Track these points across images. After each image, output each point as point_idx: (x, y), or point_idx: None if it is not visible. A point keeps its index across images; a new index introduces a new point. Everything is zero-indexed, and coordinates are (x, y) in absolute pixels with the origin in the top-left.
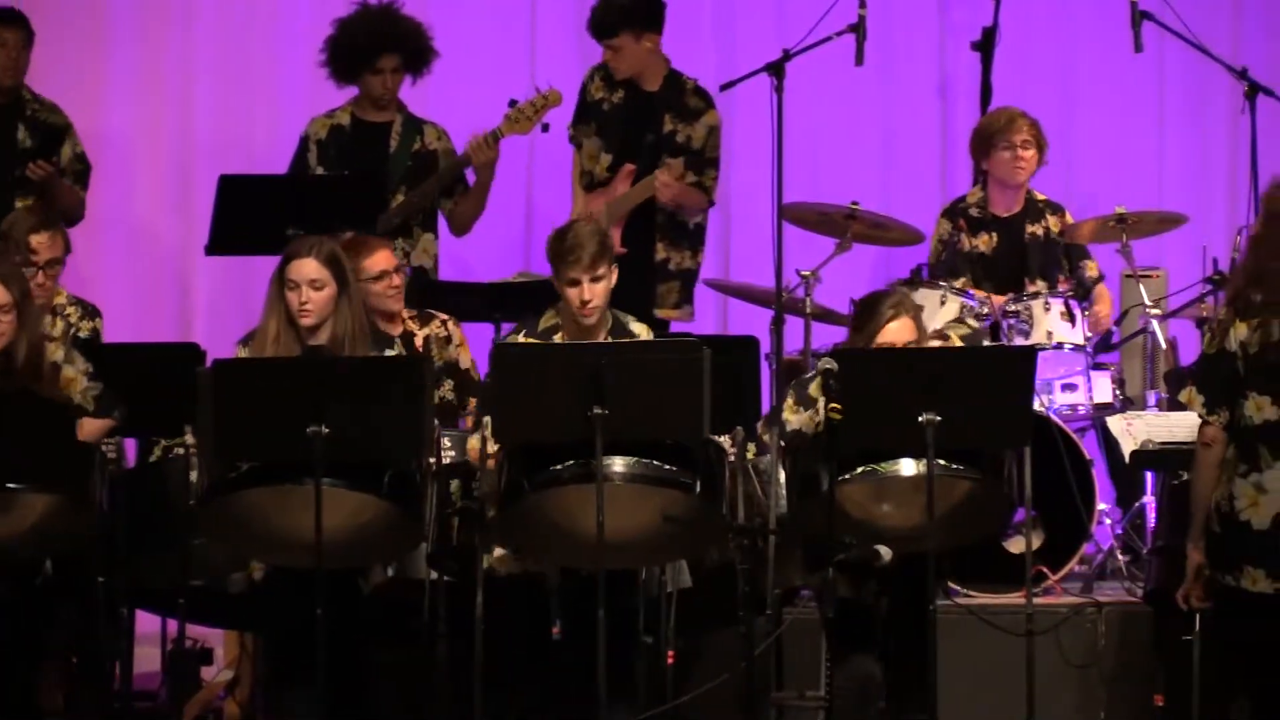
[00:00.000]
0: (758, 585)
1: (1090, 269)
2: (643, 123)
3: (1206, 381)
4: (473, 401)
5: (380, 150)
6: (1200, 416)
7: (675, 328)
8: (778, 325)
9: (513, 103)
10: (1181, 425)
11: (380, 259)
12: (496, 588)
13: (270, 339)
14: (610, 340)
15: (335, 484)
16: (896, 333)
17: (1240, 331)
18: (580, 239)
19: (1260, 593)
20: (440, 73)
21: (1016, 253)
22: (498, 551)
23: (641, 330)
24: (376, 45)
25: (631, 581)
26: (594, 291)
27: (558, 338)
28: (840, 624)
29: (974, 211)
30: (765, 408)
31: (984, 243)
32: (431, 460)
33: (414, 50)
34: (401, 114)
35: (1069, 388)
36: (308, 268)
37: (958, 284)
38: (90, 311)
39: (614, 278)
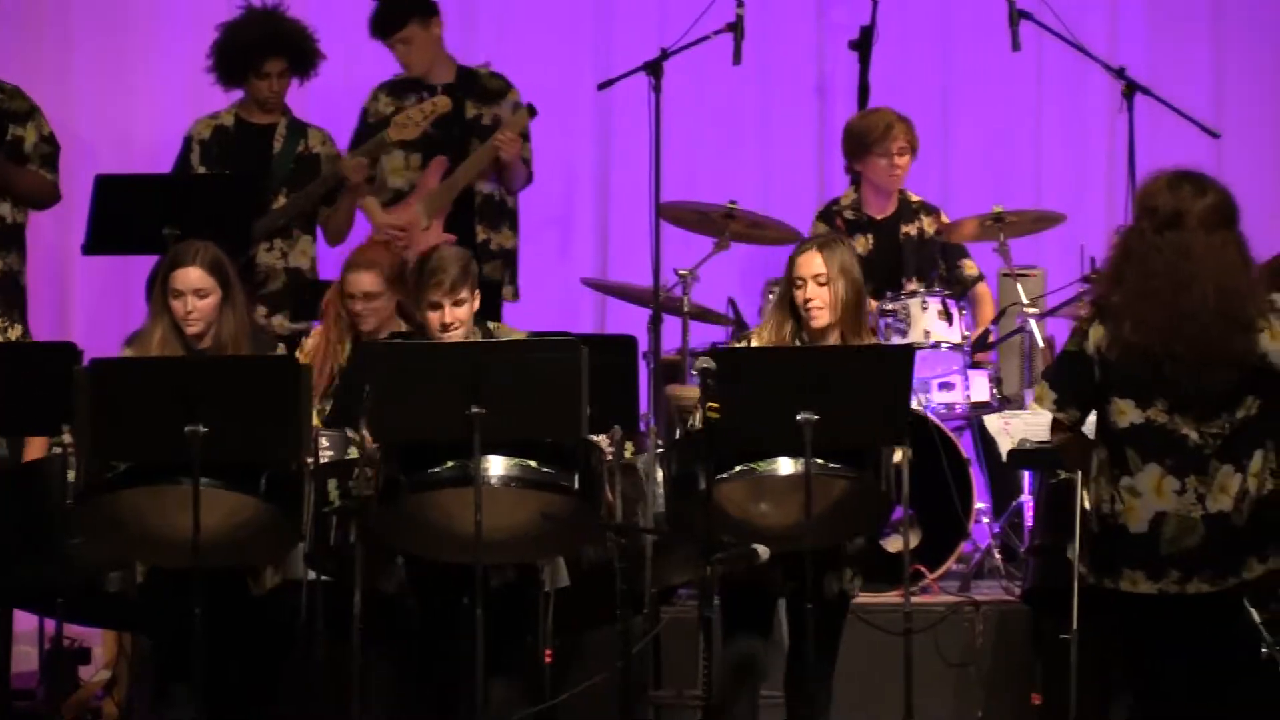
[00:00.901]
0: (635, 584)
1: (969, 268)
2: (443, 117)
3: (1058, 378)
4: None
5: (263, 152)
6: (1051, 413)
7: (504, 307)
8: (655, 324)
9: (399, 109)
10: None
11: (363, 280)
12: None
13: (155, 343)
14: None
15: (212, 484)
16: (803, 266)
17: (1098, 334)
18: (443, 263)
19: (1142, 594)
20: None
21: (892, 253)
22: None
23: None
24: (262, 48)
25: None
26: (455, 315)
27: None
28: (733, 604)
29: (849, 213)
30: (644, 407)
31: (860, 245)
32: (309, 460)
33: (299, 53)
34: (286, 117)
35: (946, 386)
36: (192, 276)
37: None
38: None
39: (476, 303)
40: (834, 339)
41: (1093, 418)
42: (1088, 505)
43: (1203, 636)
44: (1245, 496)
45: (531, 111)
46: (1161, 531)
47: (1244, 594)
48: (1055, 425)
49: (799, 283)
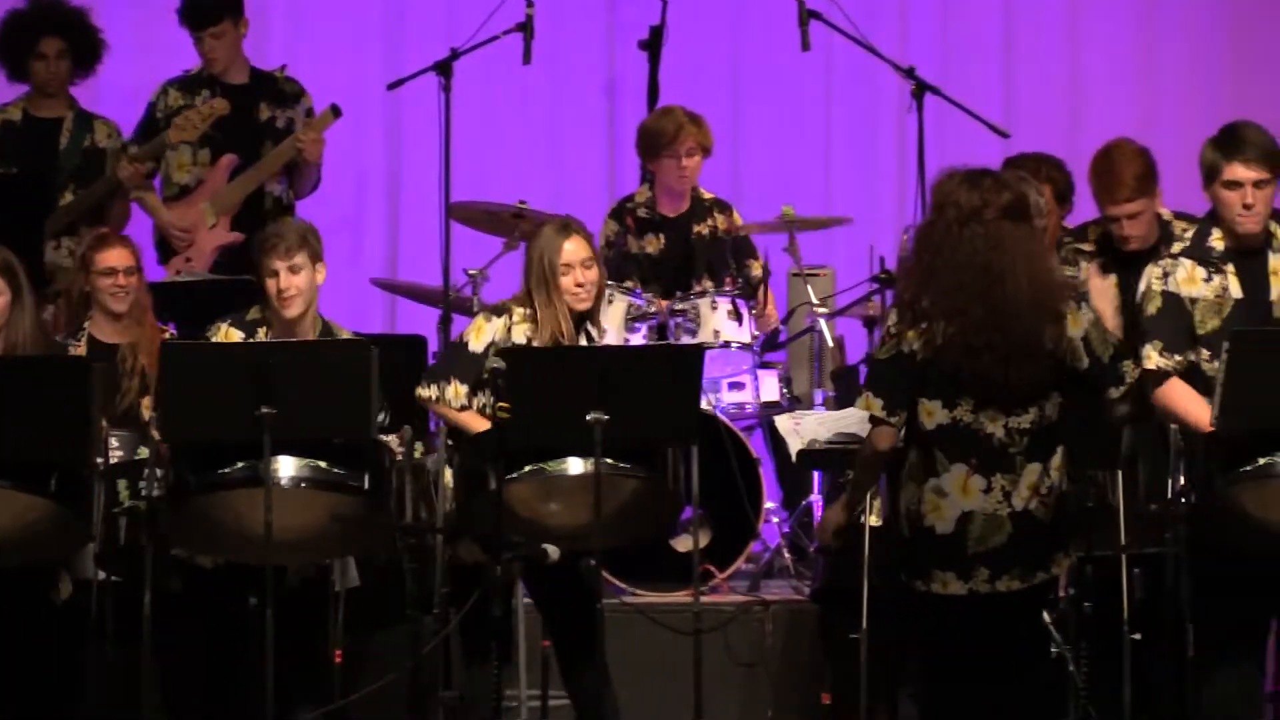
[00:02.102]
0: (425, 584)
1: (755, 268)
2: (238, 114)
3: (880, 385)
4: None
5: (50, 147)
6: (880, 420)
7: None
8: (445, 325)
9: (180, 109)
10: (848, 424)
11: (111, 255)
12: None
13: None
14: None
15: (1, 484)
16: (573, 252)
17: (911, 338)
18: (281, 229)
19: (952, 595)
20: None
21: (684, 253)
22: None
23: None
24: (37, 28)
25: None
26: (292, 282)
27: (262, 332)
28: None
29: (641, 211)
30: None
31: (652, 244)
32: (99, 460)
33: (77, 36)
34: (73, 110)
35: (736, 386)
36: None
37: (626, 285)
38: None
39: (320, 275)
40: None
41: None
42: (874, 520)
43: (1009, 632)
44: (1050, 492)
45: (336, 112)
46: (969, 531)
47: (1050, 589)
48: (881, 436)
49: (566, 269)
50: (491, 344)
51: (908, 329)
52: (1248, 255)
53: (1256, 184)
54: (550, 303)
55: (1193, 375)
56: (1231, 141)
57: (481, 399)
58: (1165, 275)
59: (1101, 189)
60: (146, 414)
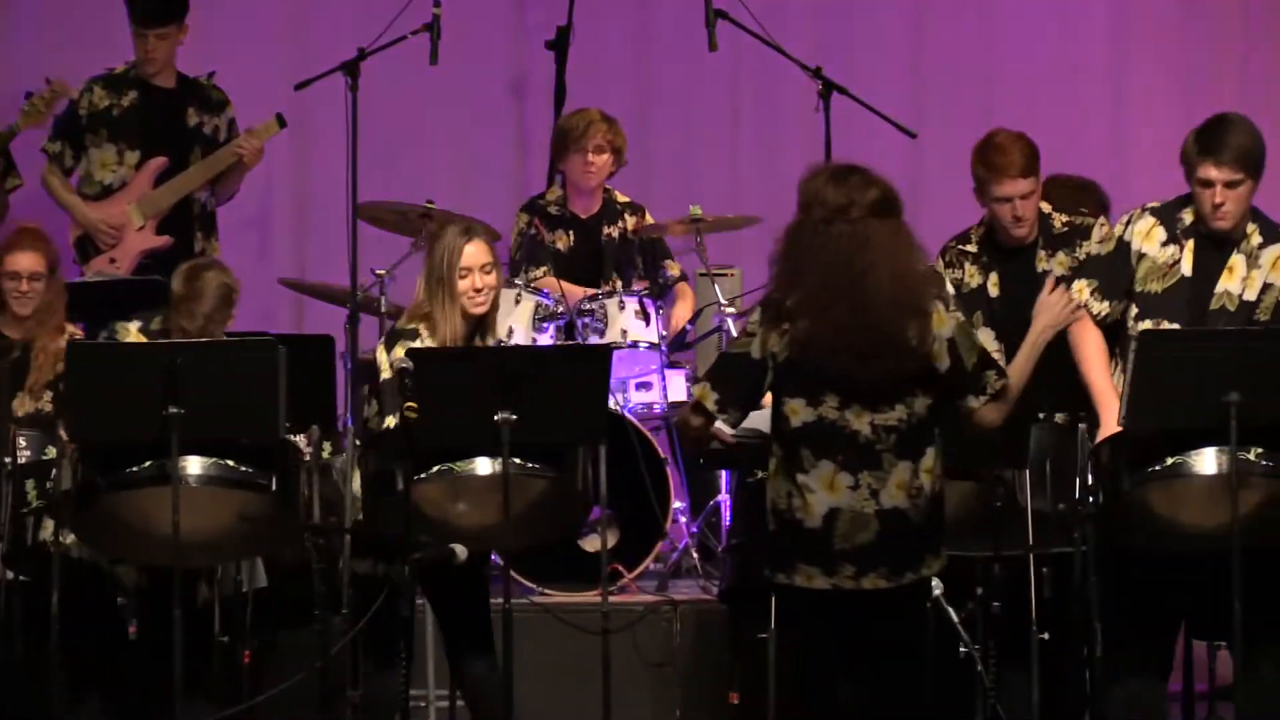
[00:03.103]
0: (333, 584)
1: (672, 268)
2: (167, 118)
3: (721, 379)
4: None
5: None
6: (707, 412)
7: None
8: (353, 324)
9: (28, 95)
10: (756, 423)
11: (19, 259)
12: (73, 583)
13: None
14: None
15: None
16: (474, 256)
17: (771, 340)
18: (206, 288)
19: (817, 589)
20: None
21: (593, 253)
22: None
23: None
24: None
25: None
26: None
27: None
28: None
29: (553, 210)
30: (340, 407)
31: (561, 242)
32: (7, 460)
33: None
34: None
35: (644, 386)
36: None
37: (538, 273)
38: None
39: (228, 323)
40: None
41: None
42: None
43: (877, 632)
44: (921, 493)
45: (282, 123)
46: (835, 527)
47: (923, 590)
48: (698, 409)
49: (465, 273)
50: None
51: (770, 330)
52: (1211, 241)
53: (1228, 184)
54: (444, 305)
55: (1117, 327)
56: (1208, 139)
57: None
58: (1128, 223)
59: (992, 171)
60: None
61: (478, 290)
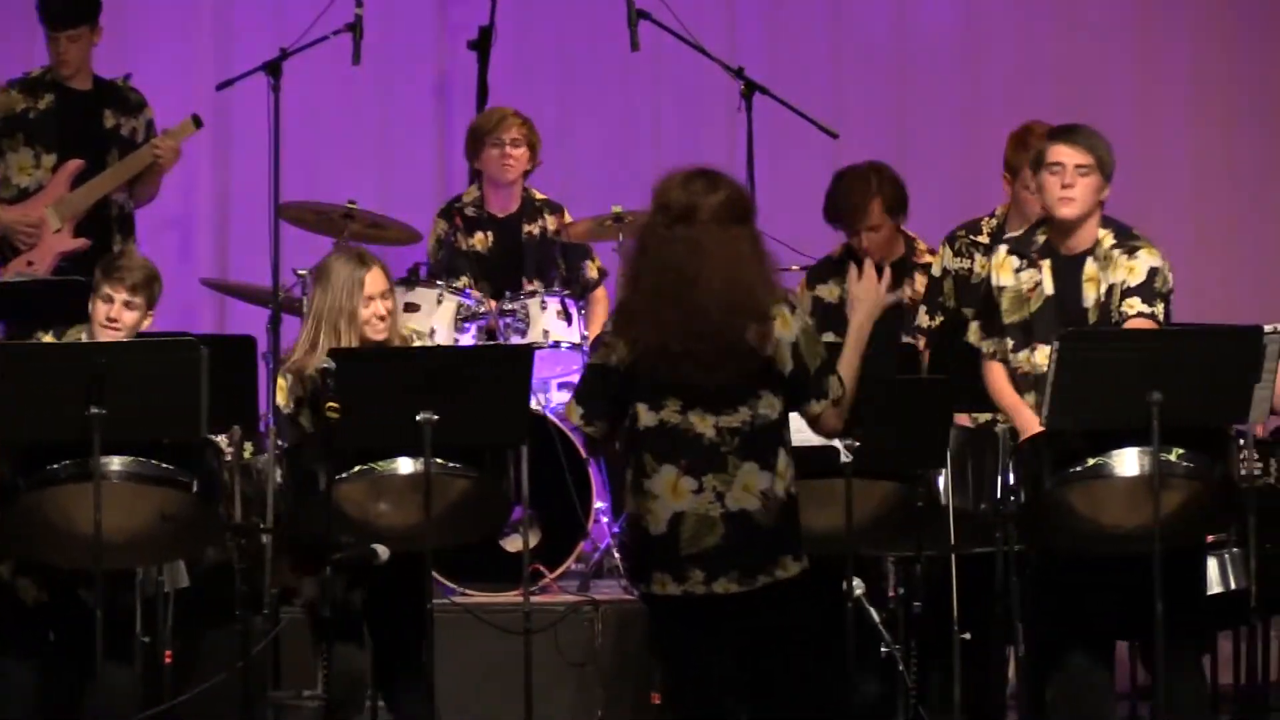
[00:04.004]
0: (255, 584)
1: (591, 270)
2: (84, 120)
3: (585, 393)
4: None
5: None
6: (580, 428)
7: None
8: (275, 325)
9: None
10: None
11: None
12: None
13: None
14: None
15: None
16: (374, 284)
17: (619, 346)
18: (132, 262)
19: (669, 595)
20: None
21: (513, 252)
22: None
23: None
24: None
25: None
26: (121, 315)
27: None
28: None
29: (470, 211)
30: (263, 407)
31: (480, 242)
32: None
33: None
34: None
35: (565, 386)
36: None
37: (457, 283)
38: None
39: (147, 322)
40: None
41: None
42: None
43: (740, 636)
44: (771, 495)
45: (198, 123)
46: (680, 532)
47: (787, 592)
48: (589, 438)
49: (368, 301)
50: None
51: (619, 336)
52: (1067, 256)
53: (1078, 167)
54: (343, 335)
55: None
56: (1060, 128)
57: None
58: (989, 260)
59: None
60: None
61: (380, 318)
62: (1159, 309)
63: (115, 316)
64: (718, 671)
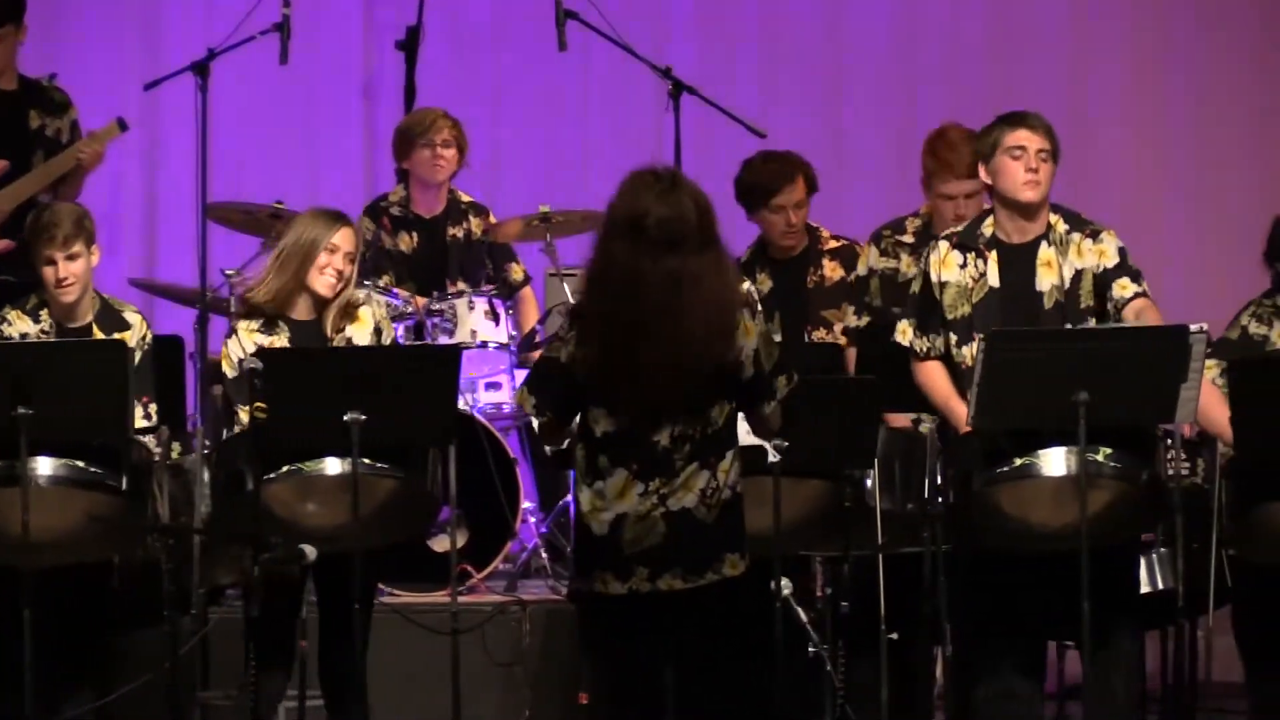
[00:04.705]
0: (183, 584)
1: (515, 272)
2: (8, 121)
3: (537, 384)
4: None
5: None
6: (534, 419)
7: None
8: (202, 325)
9: None
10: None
11: None
12: None
13: None
14: (90, 324)
15: None
16: (343, 240)
17: (578, 353)
18: (55, 216)
19: (615, 595)
20: None
21: (438, 253)
22: None
23: (136, 319)
24: None
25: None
26: (69, 270)
27: (45, 314)
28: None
29: (396, 211)
30: (191, 407)
31: (405, 243)
32: None
33: None
34: None
35: (493, 386)
36: None
37: (381, 282)
38: None
39: (95, 257)
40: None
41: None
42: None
43: (686, 633)
44: (715, 494)
45: (123, 126)
46: (622, 532)
47: (734, 590)
48: (541, 427)
49: (332, 249)
50: (241, 359)
51: (583, 345)
52: (1017, 245)
53: (1040, 152)
54: (294, 280)
55: (945, 359)
56: (1013, 115)
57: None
58: (926, 255)
59: (941, 167)
60: None
61: (337, 271)
62: (1145, 286)
63: (64, 275)
64: (653, 674)
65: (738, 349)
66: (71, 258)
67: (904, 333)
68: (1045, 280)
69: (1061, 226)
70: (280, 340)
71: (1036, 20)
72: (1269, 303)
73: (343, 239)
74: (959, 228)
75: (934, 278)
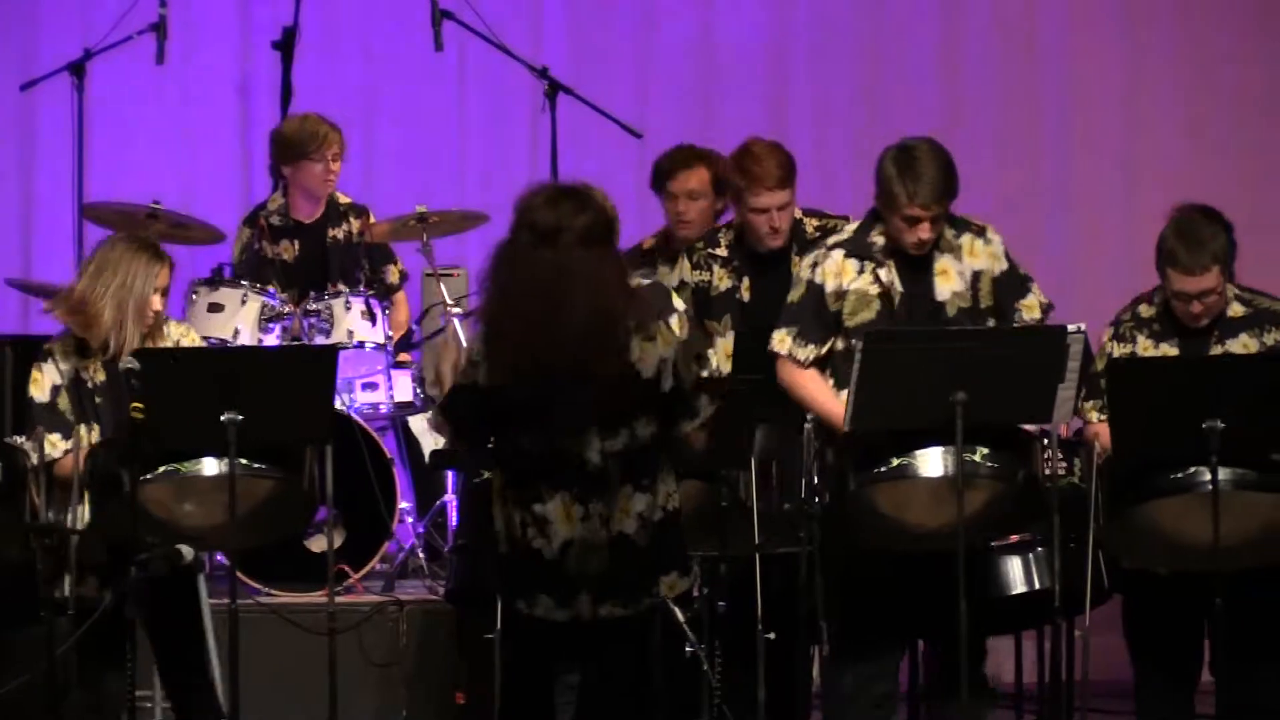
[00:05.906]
0: (59, 586)
1: (393, 274)
2: None
3: (454, 411)
4: None
5: None
6: (452, 442)
7: None
8: None
9: None
10: None
11: None
12: None
13: None
14: None
15: None
16: (166, 279)
17: (486, 368)
18: None
19: (549, 620)
20: None
21: (318, 258)
22: None
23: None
24: None
25: None
26: None
27: None
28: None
29: (275, 219)
30: None
31: (286, 250)
32: None
33: None
34: None
35: (370, 386)
36: None
37: (258, 287)
38: None
39: None
40: None
41: None
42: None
43: (617, 658)
44: (653, 516)
45: None
46: (568, 557)
47: (658, 614)
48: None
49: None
50: (55, 387)
51: (490, 357)
52: (912, 255)
53: (934, 220)
54: (128, 321)
55: (841, 365)
56: (911, 177)
57: (84, 431)
58: (814, 265)
59: (750, 181)
60: None
61: (156, 312)
62: (1039, 290)
63: None
64: (550, 693)
65: (655, 358)
66: None
67: (781, 341)
68: (944, 289)
69: (949, 233)
70: (94, 365)
71: (911, 20)
72: (1128, 318)
73: (165, 277)
74: (842, 236)
75: (828, 286)
